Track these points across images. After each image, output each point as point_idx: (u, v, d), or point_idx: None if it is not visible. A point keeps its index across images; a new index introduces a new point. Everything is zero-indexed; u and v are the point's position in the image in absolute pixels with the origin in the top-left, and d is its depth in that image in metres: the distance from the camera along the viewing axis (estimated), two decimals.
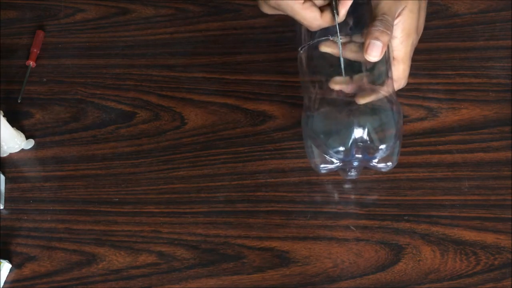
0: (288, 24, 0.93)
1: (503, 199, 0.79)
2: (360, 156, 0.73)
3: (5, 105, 0.90)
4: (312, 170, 0.82)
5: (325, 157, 0.75)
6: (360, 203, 0.80)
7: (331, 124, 0.73)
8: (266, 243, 0.79)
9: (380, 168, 0.75)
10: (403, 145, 0.82)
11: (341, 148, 0.72)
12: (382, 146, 0.72)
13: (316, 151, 0.75)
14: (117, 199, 0.83)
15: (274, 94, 0.88)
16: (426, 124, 0.85)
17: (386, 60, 0.72)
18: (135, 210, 0.82)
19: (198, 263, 0.79)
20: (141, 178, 0.84)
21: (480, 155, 0.82)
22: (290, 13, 0.71)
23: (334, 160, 0.74)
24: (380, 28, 0.69)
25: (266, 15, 0.94)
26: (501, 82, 0.87)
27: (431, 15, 0.91)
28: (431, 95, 0.86)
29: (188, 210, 0.82)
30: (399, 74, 0.74)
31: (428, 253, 0.77)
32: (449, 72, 0.88)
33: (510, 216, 0.78)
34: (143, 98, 0.90)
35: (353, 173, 0.78)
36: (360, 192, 0.81)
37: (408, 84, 0.87)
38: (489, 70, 0.88)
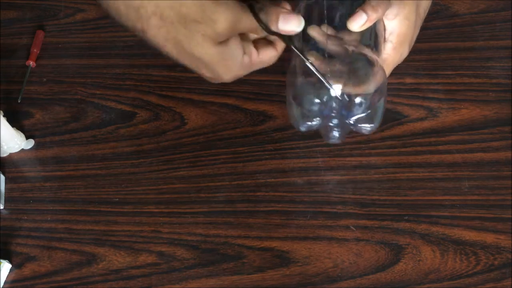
0: None
1: (503, 199, 0.79)
2: (336, 109, 0.71)
3: (5, 105, 0.90)
4: (312, 170, 0.82)
5: (304, 112, 0.73)
6: (360, 203, 0.80)
7: (307, 75, 0.71)
8: (266, 243, 0.79)
9: (362, 128, 0.74)
10: (403, 145, 0.82)
11: (316, 100, 0.71)
12: (359, 100, 0.71)
13: (296, 106, 0.73)
14: (117, 199, 0.83)
15: (274, 94, 0.88)
16: (426, 124, 0.85)
17: (372, 34, 0.72)
18: (135, 210, 0.82)
19: (198, 263, 0.79)
20: (141, 178, 0.84)
21: (480, 155, 0.82)
22: (249, 71, 0.68)
23: (313, 116, 0.73)
24: (373, 4, 0.68)
25: None
26: (501, 82, 0.87)
27: (431, 15, 0.91)
28: (431, 95, 0.86)
29: (188, 210, 0.82)
30: None
31: (428, 253, 0.77)
32: (449, 72, 0.88)
33: (510, 216, 0.78)
34: (143, 98, 0.90)
35: (335, 135, 0.76)
36: (360, 192, 0.81)
37: (408, 84, 0.87)
38: (489, 70, 0.88)
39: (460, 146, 0.83)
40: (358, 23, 0.68)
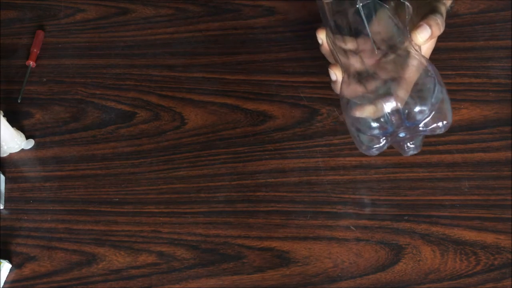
0: (288, 24, 0.93)
1: (503, 199, 0.79)
2: (399, 124, 0.68)
3: (5, 105, 0.90)
4: (312, 170, 0.82)
5: (368, 137, 0.71)
6: (360, 203, 0.80)
7: (359, 99, 0.70)
8: (266, 243, 0.79)
9: (436, 130, 0.70)
10: None
11: (374, 123, 0.69)
12: (418, 108, 0.68)
13: (358, 133, 0.72)
14: (117, 199, 0.83)
15: (274, 94, 0.88)
16: None
17: (397, 25, 0.71)
18: (135, 210, 0.82)
19: (198, 263, 0.79)
20: (141, 178, 0.84)
21: (480, 155, 0.82)
22: None
23: (379, 137, 0.71)
24: (439, 21, 0.71)
25: (266, 15, 0.94)
26: (501, 82, 0.87)
27: None
28: None
29: (188, 210, 0.82)
30: None
31: (428, 253, 0.77)
32: (449, 72, 0.88)
33: (510, 216, 0.78)
34: (143, 98, 0.90)
35: (411, 146, 0.73)
36: (360, 192, 0.81)
37: None
38: (489, 70, 0.88)
39: (460, 146, 0.83)
40: (423, 36, 0.71)
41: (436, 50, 0.89)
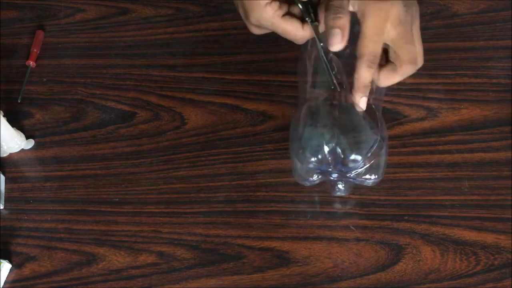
0: None
1: (503, 199, 0.79)
2: (333, 165, 0.72)
3: (5, 105, 0.90)
4: None
5: (304, 169, 0.75)
6: (360, 203, 0.80)
7: (304, 131, 0.73)
8: (266, 243, 0.79)
9: (365, 181, 0.74)
10: (403, 145, 0.82)
11: (313, 158, 0.72)
12: (353, 157, 0.71)
13: (296, 163, 0.75)
14: (117, 199, 0.83)
15: (274, 94, 0.88)
16: (426, 124, 0.85)
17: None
18: (135, 210, 0.82)
19: (198, 263, 0.79)
20: (141, 178, 0.84)
21: (480, 155, 0.82)
22: (271, 27, 0.70)
23: (313, 172, 0.75)
24: (330, 16, 0.67)
25: None
26: (501, 82, 0.87)
27: (431, 15, 0.91)
28: (431, 95, 0.86)
29: (188, 210, 0.82)
30: (410, 54, 0.71)
31: (428, 253, 0.77)
32: (449, 72, 0.88)
33: (510, 216, 0.78)
34: (143, 98, 0.90)
35: (340, 188, 0.77)
36: (360, 192, 0.81)
37: (408, 84, 0.87)
38: (489, 70, 0.88)
39: (460, 146, 0.83)
40: (337, 39, 0.66)
41: (436, 50, 0.89)
